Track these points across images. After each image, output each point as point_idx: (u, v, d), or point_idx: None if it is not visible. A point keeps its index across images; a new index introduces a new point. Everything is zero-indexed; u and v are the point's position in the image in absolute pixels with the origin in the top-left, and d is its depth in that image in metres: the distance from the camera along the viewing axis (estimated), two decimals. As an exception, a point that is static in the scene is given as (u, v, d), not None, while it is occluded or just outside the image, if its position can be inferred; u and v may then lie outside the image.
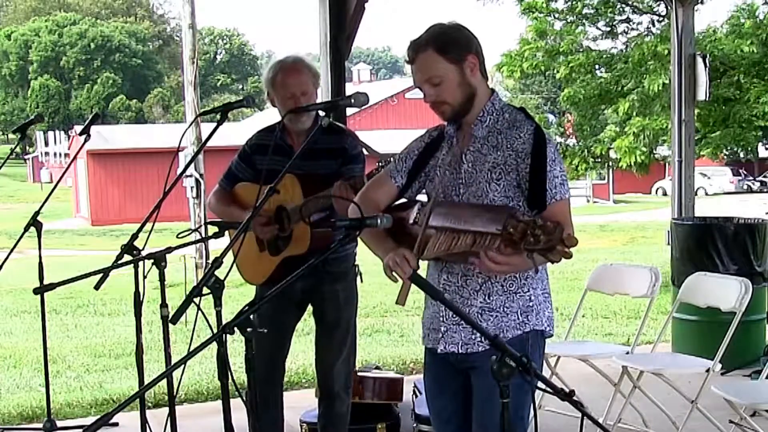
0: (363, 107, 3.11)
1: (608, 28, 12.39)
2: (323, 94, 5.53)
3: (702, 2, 9.85)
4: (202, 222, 10.79)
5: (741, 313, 4.55)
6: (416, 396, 4.96)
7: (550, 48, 12.04)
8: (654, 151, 12.17)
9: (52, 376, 5.61)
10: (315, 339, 3.88)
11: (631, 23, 12.43)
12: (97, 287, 3.37)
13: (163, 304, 3.51)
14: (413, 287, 2.43)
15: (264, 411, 3.77)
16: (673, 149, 7.06)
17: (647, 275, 4.90)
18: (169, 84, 62.19)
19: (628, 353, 4.90)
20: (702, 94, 6.79)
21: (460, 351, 2.70)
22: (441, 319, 2.74)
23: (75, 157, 6.88)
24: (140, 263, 3.37)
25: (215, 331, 2.22)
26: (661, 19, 11.95)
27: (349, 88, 5.12)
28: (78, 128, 14.88)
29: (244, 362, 2.39)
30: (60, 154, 42.80)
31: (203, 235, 7.48)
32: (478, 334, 2.63)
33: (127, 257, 3.33)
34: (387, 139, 17.94)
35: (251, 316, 2.19)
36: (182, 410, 5.05)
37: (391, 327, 9.06)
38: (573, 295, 9.99)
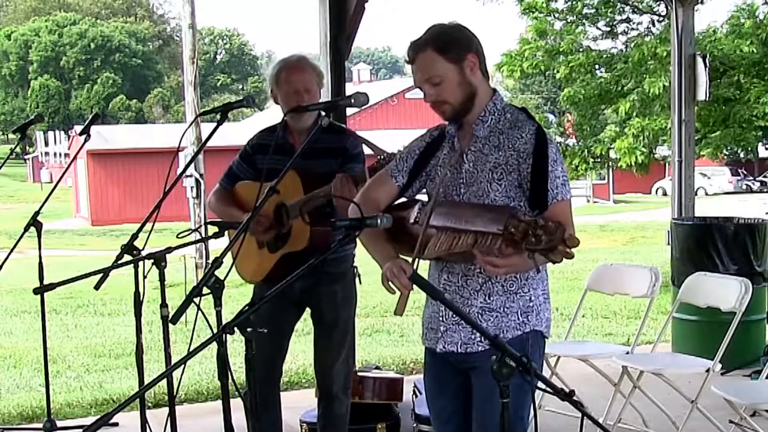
0: (363, 107, 3.11)
1: (608, 28, 12.40)
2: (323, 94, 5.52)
3: (702, 2, 9.84)
4: (202, 222, 10.79)
5: (741, 313, 4.55)
6: (416, 396, 4.96)
7: (550, 48, 12.04)
8: (654, 151, 12.18)
9: (52, 376, 5.61)
10: (313, 340, 3.88)
11: (631, 23, 12.44)
12: (97, 287, 3.37)
13: (163, 304, 3.51)
14: (413, 287, 2.43)
15: (263, 411, 3.77)
16: (673, 149, 7.05)
17: (647, 275, 4.90)
18: (169, 84, 62.19)
19: (628, 353, 4.90)
20: (702, 94, 6.79)
21: (460, 351, 2.70)
22: (440, 318, 2.74)
23: (75, 157, 6.87)
24: (140, 263, 3.37)
25: (215, 331, 2.22)
26: (661, 19, 11.95)
27: (349, 88, 5.12)
28: (78, 128, 14.88)
29: (244, 362, 2.39)
30: (60, 154, 42.80)
31: (203, 235, 7.48)
32: (478, 334, 2.63)
33: (127, 257, 3.33)
34: (387, 139, 17.87)
35: (251, 316, 2.19)
36: (182, 410, 5.05)
37: (391, 327, 9.07)
38: (573, 295, 9.99)
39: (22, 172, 50.95)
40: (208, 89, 62.19)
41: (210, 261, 8.83)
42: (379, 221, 2.37)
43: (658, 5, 11.76)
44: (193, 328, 2.82)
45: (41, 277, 4.71)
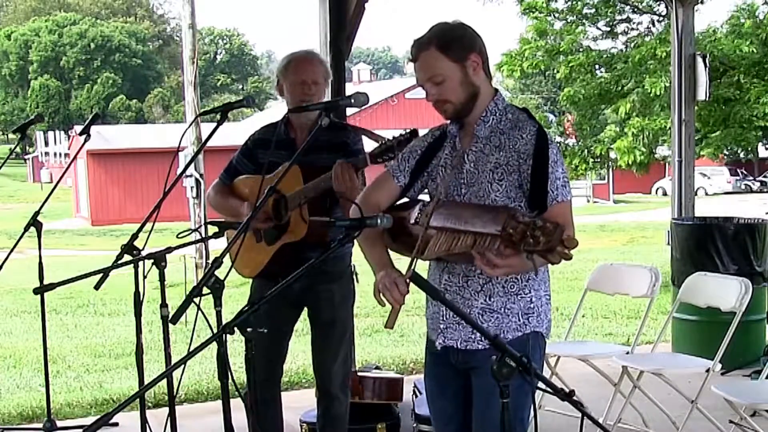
0: (363, 107, 3.11)
1: (608, 28, 12.40)
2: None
3: (702, 2, 9.84)
4: (202, 222, 10.79)
5: (741, 313, 4.55)
6: (416, 396, 4.96)
7: (550, 48, 12.04)
8: (654, 151, 12.18)
9: (52, 376, 5.61)
10: (311, 340, 3.87)
11: (631, 23, 12.44)
12: (97, 287, 3.37)
13: (163, 304, 3.51)
14: (413, 287, 2.43)
15: (265, 410, 3.77)
16: (673, 149, 7.05)
17: (647, 275, 4.90)
18: (169, 84, 62.20)
19: (628, 353, 4.90)
20: (702, 94, 6.79)
21: (460, 347, 2.70)
22: (441, 318, 2.74)
23: (75, 157, 6.88)
24: (140, 263, 3.37)
25: (215, 331, 2.22)
26: (661, 19, 11.95)
27: (349, 88, 5.11)
28: (78, 128, 14.89)
29: (244, 362, 2.40)
30: (60, 154, 42.79)
31: (203, 235, 7.48)
32: (478, 333, 2.63)
33: (127, 257, 3.33)
34: (387, 139, 17.90)
35: (251, 316, 2.19)
36: (182, 410, 5.05)
37: (391, 327, 9.06)
38: (573, 295, 9.99)
39: (22, 172, 50.97)
40: (208, 89, 62.21)
41: (210, 261, 8.83)
42: (379, 221, 2.37)
43: (658, 5, 11.77)
44: (193, 328, 2.82)
45: (41, 277, 4.71)
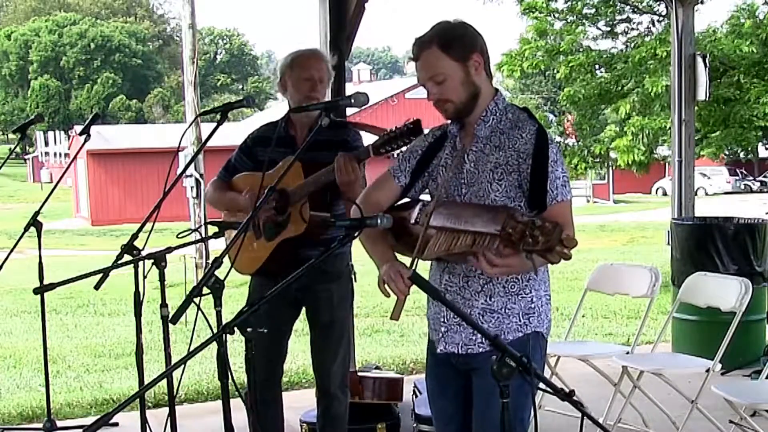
0: (363, 107, 3.10)
1: (608, 28, 12.39)
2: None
3: (702, 2, 9.84)
4: (202, 222, 10.79)
5: (741, 313, 4.55)
6: (416, 396, 4.96)
7: (550, 48, 12.04)
8: (654, 151, 12.18)
9: (52, 376, 5.61)
10: (310, 340, 3.87)
11: (631, 23, 12.44)
12: (97, 287, 3.37)
13: (163, 304, 3.50)
14: (413, 287, 2.43)
15: (265, 410, 3.77)
16: (673, 149, 7.05)
17: (647, 275, 4.90)
18: (169, 84, 62.20)
19: (628, 353, 4.90)
20: (702, 94, 6.79)
21: (460, 352, 2.70)
22: (442, 319, 2.74)
23: (75, 157, 6.88)
24: (140, 263, 3.36)
25: (215, 331, 2.22)
26: (661, 19, 11.95)
27: (349, 88, 5.11)
28: (78, 128, 14.88)
29: (244, 362, 2.39)
30: (60, 154, 42.80)
31: (203, 235, 7.48)
32: (479, 336, 2.63)
33: (127, 257, 3.33)
34: (387, 139, 17.89)
35: (250, 316, 2.19)
36: (182, 410, 5.05)
37: (391, 327, 9.06)
38: (573, 295, 9.99)
39: (22, 172, 50.97)
40: (208, 89, 62.21)
41: (210, 261, 8.83)
42: (379, 221, 2.37)
43: (658, 5, 11.76)
44: (193, 328, 2.82)
45: (41, 277, 4.71)
